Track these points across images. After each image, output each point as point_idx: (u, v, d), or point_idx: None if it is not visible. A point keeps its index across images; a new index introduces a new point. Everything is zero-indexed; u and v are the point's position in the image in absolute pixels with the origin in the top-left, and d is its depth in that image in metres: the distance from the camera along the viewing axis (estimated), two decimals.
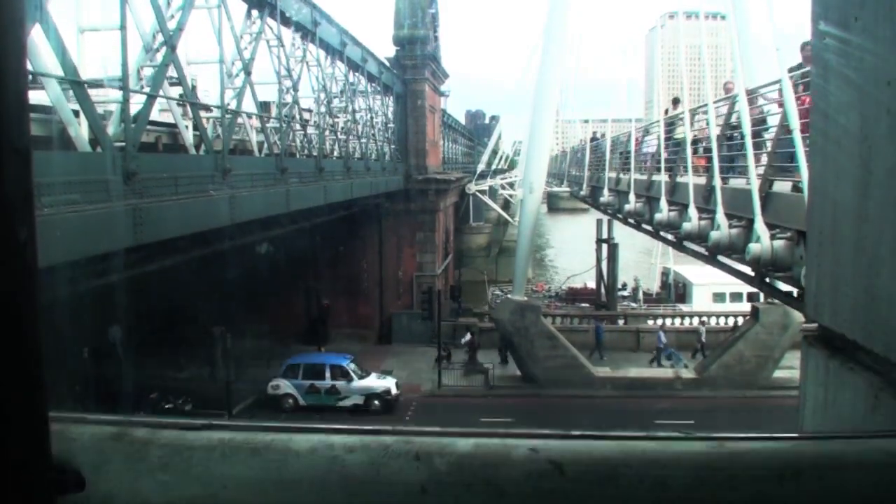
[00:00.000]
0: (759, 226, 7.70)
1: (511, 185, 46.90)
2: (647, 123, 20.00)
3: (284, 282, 29.84)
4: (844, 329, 1.49)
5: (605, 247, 36.58)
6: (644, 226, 15.70)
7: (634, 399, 23.96)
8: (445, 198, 31.99)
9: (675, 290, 37.33)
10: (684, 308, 34.13)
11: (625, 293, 38.16)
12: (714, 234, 9.12)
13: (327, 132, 18.97)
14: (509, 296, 26.17)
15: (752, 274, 8.81)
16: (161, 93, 11.10)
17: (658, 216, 11.85)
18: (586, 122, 39.93)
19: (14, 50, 0.68)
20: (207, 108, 13.35)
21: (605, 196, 18.26)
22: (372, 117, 25.07)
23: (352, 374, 21.03)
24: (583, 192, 24.47)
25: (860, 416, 1.41)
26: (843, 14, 1.23)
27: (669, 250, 49.12)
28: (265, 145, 14.98)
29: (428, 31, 30.38)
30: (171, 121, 12.47)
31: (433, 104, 33.90)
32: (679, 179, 12.09)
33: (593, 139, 26.73)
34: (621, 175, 17.34)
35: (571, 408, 23.39)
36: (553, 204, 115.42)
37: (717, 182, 9.34)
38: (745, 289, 25.60)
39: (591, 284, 37.97)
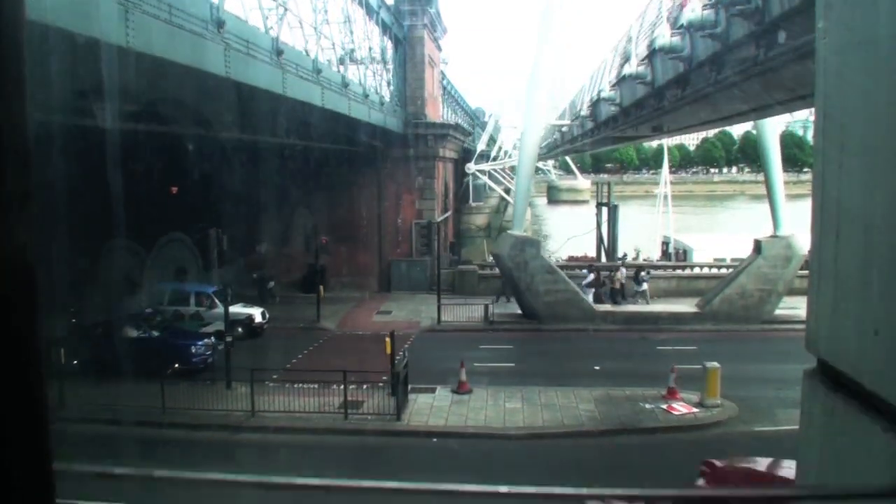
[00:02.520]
0: None
1: (513, 168, 46.73)
2: None
3: (282, 230, 29.68)
4: (848, 367, 1.45)
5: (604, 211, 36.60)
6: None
7: (636, 332, 23.71)
8: (445, 144, 31.78)
9: (676, 258, 37.17)
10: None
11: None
12: None
13: (323, 40, 18.71)
14: (509, 231, 25.92)
15: None
16: None
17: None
18: None
19: (14, 52, 0.69)
20: None
21: (607, 91, 18.06)
22: (370, 48, 24.94)
23: (216, 301, 21.09)
24: (583, 113, 24.21)
25: (867, 465, 1.33)
26: (844, 14, 1.22)
27: (670, 220, 48.95)
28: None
29: None
30: None
31: (433, 56, 33.80)
32: None
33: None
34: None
35: (571, 339, 23.15)
36: (553, 196, 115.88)
37: None
38: (746, 253, 25.49)
39: (592, 254, 37.87)
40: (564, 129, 36.14)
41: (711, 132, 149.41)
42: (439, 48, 36.47)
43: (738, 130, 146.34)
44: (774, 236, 24.46)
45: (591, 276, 27.21)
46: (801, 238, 24.02)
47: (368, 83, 24.03)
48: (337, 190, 29.94)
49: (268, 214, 28.10)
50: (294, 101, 15.69)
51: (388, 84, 27.55)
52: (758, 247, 24.51)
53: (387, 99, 27.05)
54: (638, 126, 21.07)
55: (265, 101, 14.70)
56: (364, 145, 27.05)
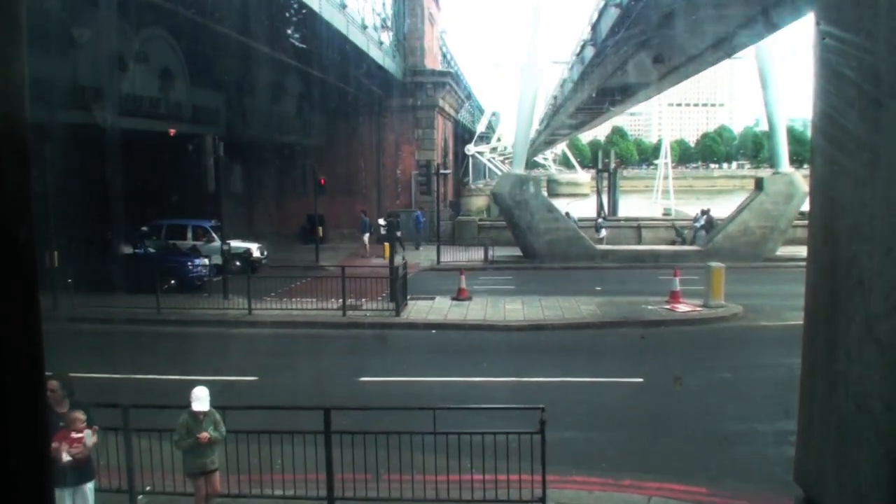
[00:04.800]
0: None
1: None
2: None
3: (280, 180, 29.46)
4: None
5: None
6: None
7: (637, 269, 23.48)
8: (444, 95, 31.61)
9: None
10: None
11: None
12: None
13: None
14: (509, 170, 25.72)
15: None
16: None
17: None
18: None
19: (14, 53, 0.69)
20: None
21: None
22: None
23: (213, 235, 20.74)
24: (585, 37, 23.98)
25: None
26: (844, 14, 1.22)
27: (671, 191, 48.53)
28: None
29: None
30: None
31: (432, 13, 33.71)
32: None
33: None
34: None
35: (572, 272, 22.91)
36: (553, 190, 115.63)
37: None
38: None
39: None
40: (557, 95, 36.08)
41: (712, 126, 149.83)
42: (438, 7, 36.39)
43: (738, 127, 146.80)
44: (776, 173, 24.27)
45: (704, 219, 26.99)
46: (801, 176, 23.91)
47: (368, 20, 23.86)
48: (336, 142, 29.76)
49: (265, 165, 27.93)
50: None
51: (388, 27, 27.35)
52: (760, 184, 24.32)
53: (386, 45, 26.89)
54: (637, 52, 20.91)
55: None
56: (363, 90, 26.89)
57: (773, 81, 23.44)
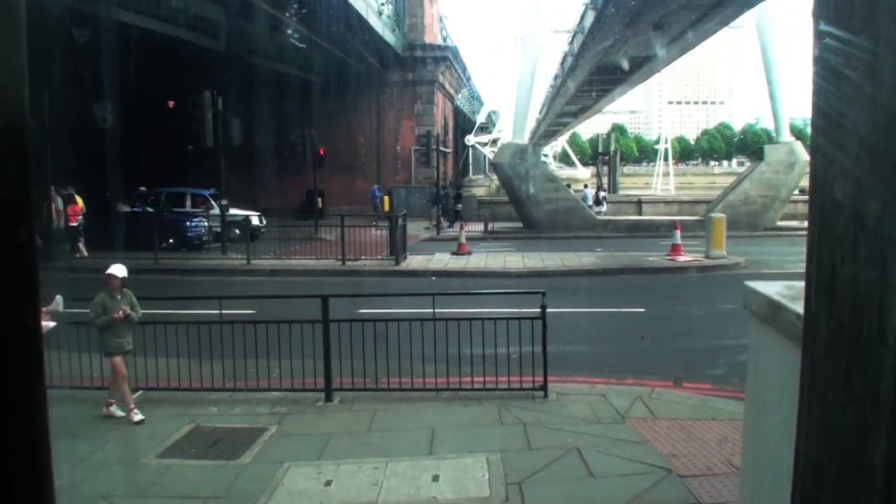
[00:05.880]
0: None
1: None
2: None
3: (279, 156, 29.37)
4: None
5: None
6: None
7: (637, 239, 23.37)
8: (444, 71, 31.54)
9: None
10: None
11: None
12: None
13: None
14: (510, 140, 25.63)
15: None
16: None
17: None
18: None
19: (13, 53, 0.68)
20: None
21: None
22: None
23: (212, 202, 20.56)
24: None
25: None
26: (843, 13, 1.20)
27: (671, 177, 48.30)
28: None
29: None
30: None
31: None
32: None
33: None
34: None
35: (572, 240, 22.79)
36: None
37: None
38: None
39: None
40: (558, 73, 35.98)
41: (712, 124, 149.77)
42: None
43: (738, 124, 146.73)
44: (777, 142, 24.18)
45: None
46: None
47: None
48: (336, 118, 29.65)
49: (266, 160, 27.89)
50: None
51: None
52: (761, 153, 24.21)
53: (385, 16, 26.82)
54: (636, 19, 20.83)
55: None
56: (363, 62, 26.80)
57: (773, 44, 23.39)
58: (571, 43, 28.25)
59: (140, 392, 7.14)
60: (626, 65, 29.46)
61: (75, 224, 17.00)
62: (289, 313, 7.10)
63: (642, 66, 29.60)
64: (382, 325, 6.84)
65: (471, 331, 6.77)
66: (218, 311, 7.10)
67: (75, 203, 17.16)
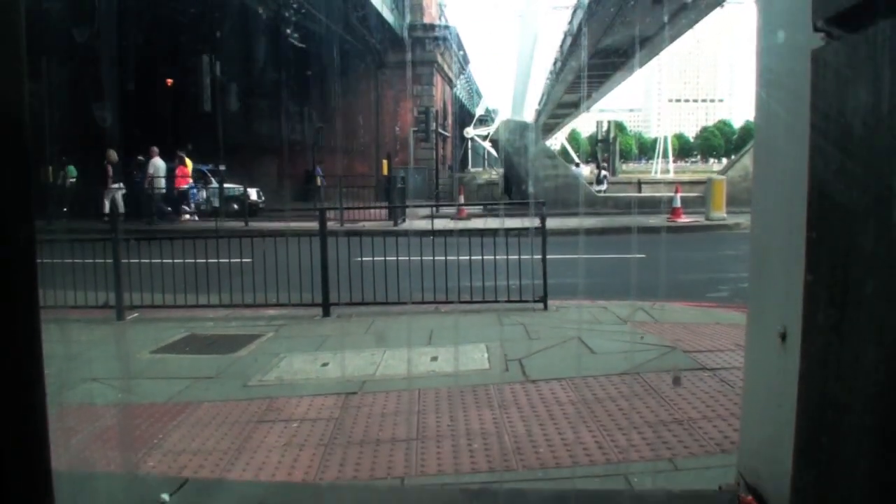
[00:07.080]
0: None
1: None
2: None
3: (278, 136, 29.30)
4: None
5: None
6: None
7: (638, 216, 23.32)
8: (443, 52, 31.44)
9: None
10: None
11: None
12: None
13: None
14: (509, 117, 25.58)
15: None
16: None
17: None
18: None
19: (13, 53, 0.68)
20: None
21: None
22: None
23: (210, 178, 20.55)
24: None
25: None
26: (843, 12, 1.18)
27: (670, 164, 48.23)
28: None
29: None
30: None
31: None
32: None
33: None
34: None
35: (574, 215, 22.74)
36: None
37: None
38: None
39: None
40: (557, 58, 35.93)
41: (711, 122, 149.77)
42: None
43: (738, 121, 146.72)
44: None
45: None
46: None
47: None
48: (334, 100, 29.54)
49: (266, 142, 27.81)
50: None
51: None
52: None
53: None
54: None
55: None
56: (361, 41, 26.71)
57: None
58: (571, 22, 28.21)
59: (136, 314, 7.10)
60: (623, 45, 29.45)
61: (185, 187, 17.97)
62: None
63: (642, 47, 29.56)
64: (381, 264, 6.94)
65: (470, 265, 6.81)
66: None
67: (184, 165, 18.02)
